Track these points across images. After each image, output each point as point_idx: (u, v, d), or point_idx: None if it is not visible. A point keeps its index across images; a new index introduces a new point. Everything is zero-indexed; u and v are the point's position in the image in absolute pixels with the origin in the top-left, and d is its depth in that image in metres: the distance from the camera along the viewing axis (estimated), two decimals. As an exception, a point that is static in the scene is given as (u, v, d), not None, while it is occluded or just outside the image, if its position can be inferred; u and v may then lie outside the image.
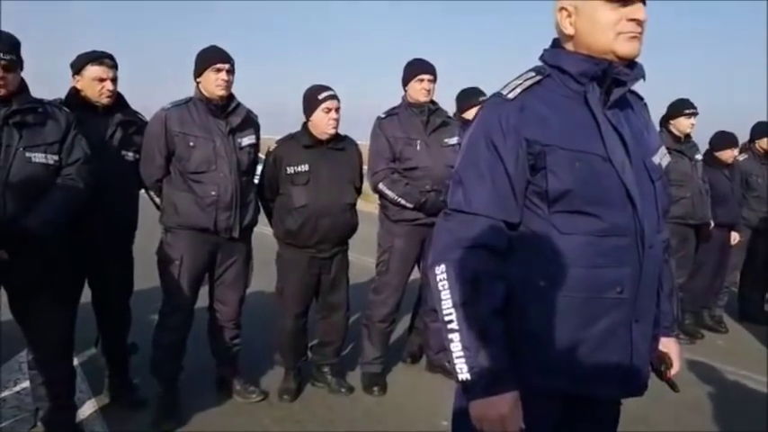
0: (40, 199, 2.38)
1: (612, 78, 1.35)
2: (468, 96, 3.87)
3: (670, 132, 4.60)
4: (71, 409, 2.78)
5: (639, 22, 1.33)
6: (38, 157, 2.40)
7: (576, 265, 1.32)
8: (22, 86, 2.44)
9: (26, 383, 2.95)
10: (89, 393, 3.23)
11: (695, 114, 4.58)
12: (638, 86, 1.45)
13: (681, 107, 4.58)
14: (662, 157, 1.50)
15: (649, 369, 1.50)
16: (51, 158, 2.44)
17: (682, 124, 4.56)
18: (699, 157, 4.69)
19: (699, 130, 4.68)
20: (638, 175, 1.36)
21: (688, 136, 4.62)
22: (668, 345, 1.59)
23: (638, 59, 1.38)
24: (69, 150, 2.51)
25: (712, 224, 4.69)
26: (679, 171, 4.48)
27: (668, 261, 1.61)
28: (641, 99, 1.56)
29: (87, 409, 3.08)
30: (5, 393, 3.16)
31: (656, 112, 4.51)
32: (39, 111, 2.45)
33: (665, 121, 4.68)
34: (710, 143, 4.94)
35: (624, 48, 1.33)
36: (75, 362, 3.22)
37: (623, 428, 1.61)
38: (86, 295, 3.02)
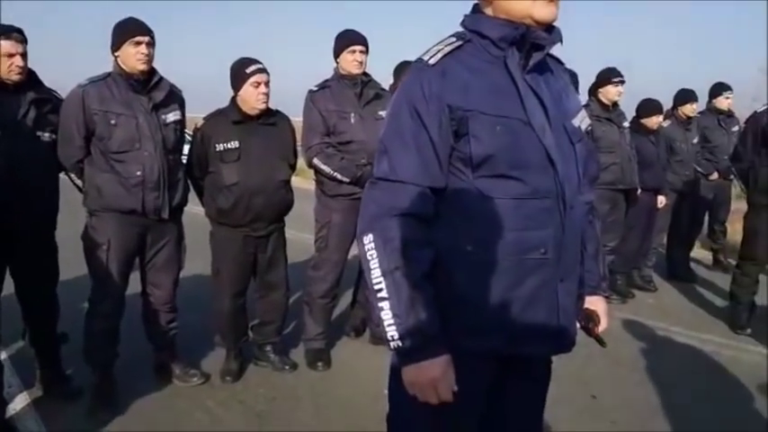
0: None
1: (531, 43, 1.36)
2: (405, 69, 3.85)
3: (599, 101, 4.73)
4: (0, 405, 2.65)
5: None
6: None
7: (501, 228, 1.33)
8: None
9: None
10: (20, 387, 3.09)
11: (622, 82, 4.71)
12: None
13: (608, 75, 4.72)
14: (582, 120, 1.52)
15: (577, 326, 1.54)
16: None
17: (610, 92, 4.70)
18: (626, 124, 4.85)
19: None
20: (558, 137, 1.38)
21: (615, 104, 4.76)
22: (595, 303, 1.63)
23: (556, 23, 1.39)
24: None
25: (639, 189, 4.87)
26: (608, 138, 4.63)
27: (593, 222, 1.65)
28: (561, 63, 1.58)
29: (19, 404, 2.95)
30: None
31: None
32: None
33: (593, 89, 4.80)
34: (637, 110, 5.10)
35: (542, 12, 1.34)
36: (4, 355, 3.08)
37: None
38: (9, 286, 2.87)
